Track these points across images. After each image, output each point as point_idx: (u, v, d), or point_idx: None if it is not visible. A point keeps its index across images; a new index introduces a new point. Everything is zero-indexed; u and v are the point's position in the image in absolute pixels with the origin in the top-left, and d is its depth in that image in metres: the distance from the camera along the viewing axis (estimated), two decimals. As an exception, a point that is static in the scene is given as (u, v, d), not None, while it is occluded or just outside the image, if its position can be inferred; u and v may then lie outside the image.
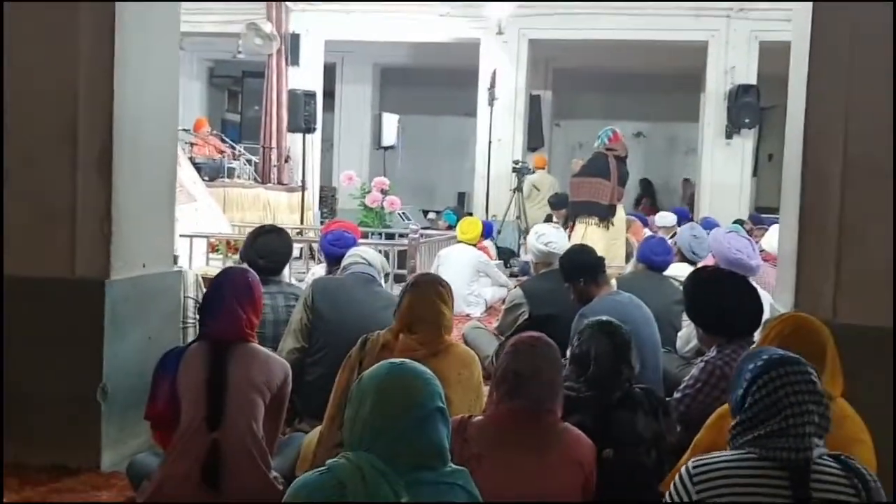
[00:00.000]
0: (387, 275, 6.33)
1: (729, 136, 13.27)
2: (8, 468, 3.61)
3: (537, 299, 5.09)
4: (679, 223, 9.91)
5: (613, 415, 3.12)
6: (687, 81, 15.38)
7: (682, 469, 2.31)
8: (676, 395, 3.59)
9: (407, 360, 2.20)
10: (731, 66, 13.15)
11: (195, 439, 3.13)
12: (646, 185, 18.27)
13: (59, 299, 3.83)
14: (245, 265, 4.51)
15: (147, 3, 4.03)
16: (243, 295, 3.34)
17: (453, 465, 2.12)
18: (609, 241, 8.85)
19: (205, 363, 3.21)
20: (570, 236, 8.21)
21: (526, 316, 5.08)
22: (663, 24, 13.22)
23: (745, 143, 13.35)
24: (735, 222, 9.99)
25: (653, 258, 5.53)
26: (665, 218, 10.72)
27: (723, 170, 13.28)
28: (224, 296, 3.33)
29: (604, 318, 3.39)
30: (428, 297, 3.43)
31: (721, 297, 3.63)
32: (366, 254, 4.79)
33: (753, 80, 12.96)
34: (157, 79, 4.17)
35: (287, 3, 14.12)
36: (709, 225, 8.39)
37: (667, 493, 2.33)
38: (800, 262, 3.67)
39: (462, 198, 17.10)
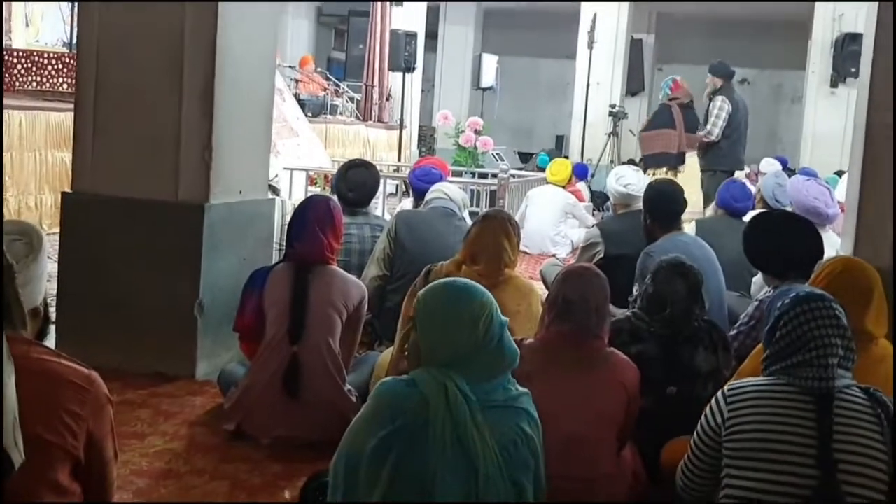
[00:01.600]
0: (474, 213, 6.56)
1: (834, 84, 13.00)
2: (112, 373, 3.95)
3: (613, 239, 5.20)
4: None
5: (676, 350, 3.26)
6: (794, 28, 15.02)
7: (719, 392, 2.48)
8: (732, 331, 3.73)
9: (460, 279, 2.37)
10: (839, 13, 12.83)
11: (277, 351, 3.42)
12: None
13: (163, 220, 4.14)
14: (334, 196, 4.79)
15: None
16: (325, 221, 3.60)
17: (519, 388, 2.27)
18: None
19: (288, 282, 3.49)
20: None
21: (601, 255, 5.19)
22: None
23: (851, 92, 13.02)
24: (836, 173, 9.92)
25: (732, 203, 5.58)
26: (769, 164, 10.66)
27: (826, 119, 13.03)
28: (307, 221, 3.60)
29: (677, 257, 3.46)
30: (492, 230, 3.62)
31: (776, 239, 3.73)
32: (448, 189, 5.01)
33: (861, 29, 12.59)
34: (258, 15, 4.42)
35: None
36: (806, 174, 8.34)
37: (703, 414, 2.51)
38: (860, 211, 3.75)
39: (559, 140, 17.15)
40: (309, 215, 3.61)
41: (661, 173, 9.08)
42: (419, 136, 15.15)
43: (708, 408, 2.48)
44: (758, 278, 4.99)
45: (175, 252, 4.14)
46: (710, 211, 6.93)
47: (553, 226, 8.28)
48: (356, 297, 3.61)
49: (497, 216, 3.76)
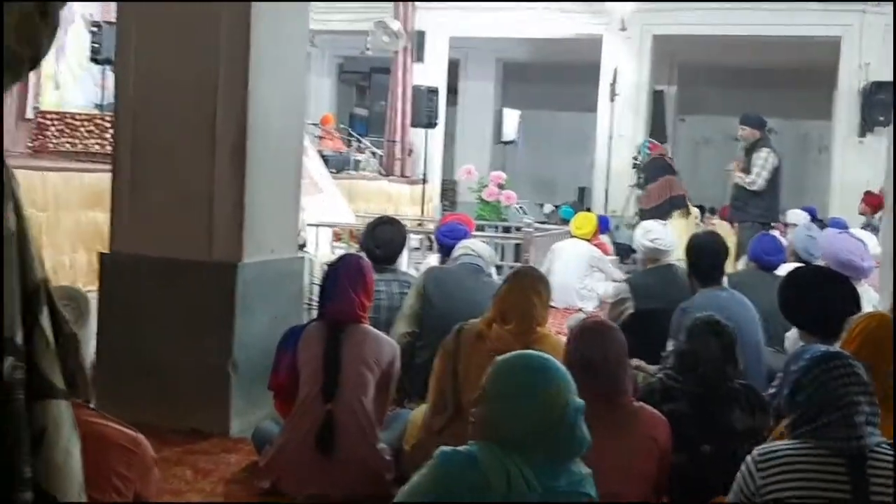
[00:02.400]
0: (499, 267, 6.59)
1: (862, 134, 12.96)
2: (148, 429, 3.99)
3: (643, 294, 5.21)
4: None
5: (710, 409, 3.23)
6: (818, 77, 15.04)
7: (748, 457, 2.47)
8: (771, 390, 3.72)
9: (541, 354, 2.23)
10: (865, 62, 12.86)
11: (311, 409, 3.45)
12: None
13: (197, 279, 4.20)
14: (362, 253, 4.84)
15: (279, 2, 4.37)
16: (356, 280, 3.65)
17: (583, 468, 2.16)
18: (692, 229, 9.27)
19: (322, 341, 3.53)
20: None
21: (631, 310, 5.21)
22: (793, 19, 13.01)
23: (879, 141, 13.02)
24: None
25: (764, 257, 5.55)
26: (797, 215, 10.67)
27: (854, 169, 12.94)
28: (339, 280, 3.65)
29: (711, 316, 3.43)
30: (522, 289, 3.63)
31: (812, 294, 3.71)
32: (476, 245, 5.06)
33: (889, 77, 12.66)
34: (287, 76, 4.51)
35: (414, 1, 14.51)
36: (836, 226, 8.34)
37: (735, 480, 2.50)
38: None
39: (582, 193, 17.19)
40: (341, 275, 3.66)
41: (676, 216, 9.30)
42: (441, 190, 15.25)
43: (740, 474, 2.47)
44: (792, 333, 4.95)
45: (209, 310, 4.19)
46: (741, 264, 6.94)
47: (579, 279, 8.29)
48: (388, 355, 3.64)
49: (527, 274, 3.79)
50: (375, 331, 3.72)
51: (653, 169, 10.44)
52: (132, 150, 4.26)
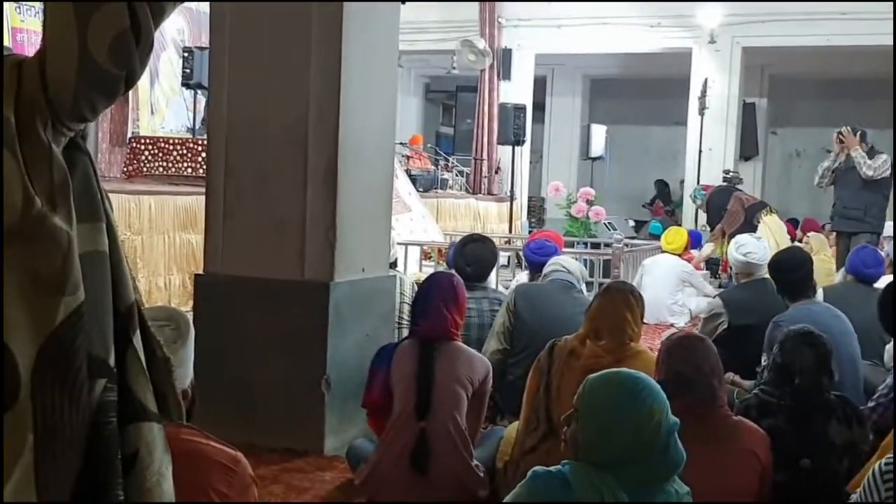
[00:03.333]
0: (589, 283, 6.53)
1: (963, 143, 12.54)
2: (244, 448, 4.04)
3: (736, 309, 5.13)
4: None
5: (807, 422, 3.19)
6: (914, 86, 14.62)
7: (875, 467, 2.40)
8: (870, 403, 3.62)
9: (633, 372, 2.20)
10: None
11: (405, 427, 3.46)
12: (661, 186, 17.50)
13: (290, 299, 4.26)
14: (453, 271, 4.85)
15: (369, 24, 4.42)
16: (449, 297, 3.65)
17: (681, 487, 2.14)
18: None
19: (415, 358, 3.54)
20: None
21: (725, 325, 5.12)
22: (883, 28, 12.67)
23: (978, 150, 12.58)
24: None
25: (863, 270, 5.44)
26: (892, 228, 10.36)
27: (954, 177, 12.56)
28: (432, 298, 3.66)
29: (804, 327, 3.40)
30: (614, 304, 3.59)
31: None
32: (566, 262, 5.02)
33: None
34: (378, 98, 4.55)
35: (499, 19, 14.56)
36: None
37: (858, 492, 2.43)
38: None
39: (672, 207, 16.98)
40: (433, 292, 3.67)
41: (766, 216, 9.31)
42: (528, 207, 15.22)
43: (864, 484, 2.41)
44: (891, 346, 4.83)
45: (302, 329, 4.24)
46: (839, 276, 6.77)
47: (670, 295, 8.16)
48: (481, 373, 3.63)
49: (619, 288, 3.74)
50: (468, 348, 3.72)
51: (718, 197, 10.47)
52: (225, 174, 4.35)
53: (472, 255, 5.18)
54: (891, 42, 12.80)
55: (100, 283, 1.41)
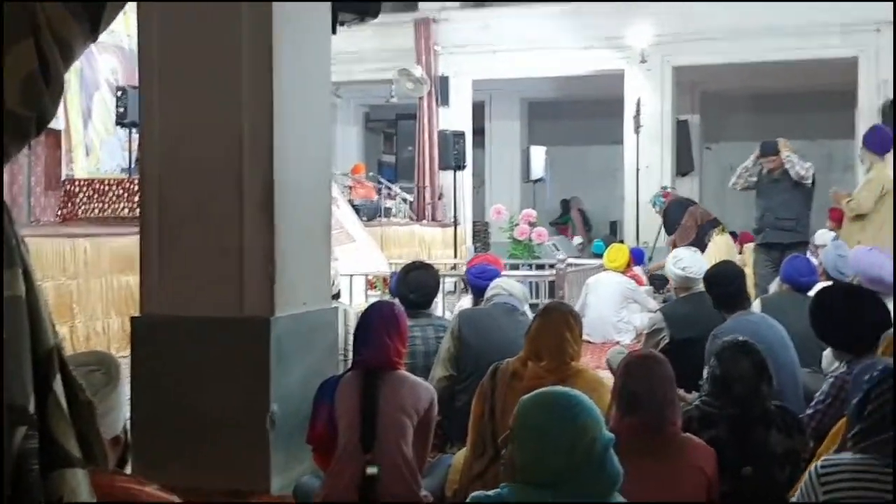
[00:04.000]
0: (534, 304, 6.55)
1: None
2: (189, 491, 3.98)
3: (677, 323, 5.19)
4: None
5: (748, 432, 3.23)
6: (839, 98, 14.99)
7: (811, 468, 2.43)
8: (808, 411, 3.67)
9: (566, 390, 2.21)
10: (882, 79, 12.80)
11: (351, 460, 3.42)
12: (564, 204, 17.87)
13: (230, 336, 4.20)
14: (395, 300, 4.84)
15: (300, 54, 4.41)
16: (391, 326, 3.63)
17: (620, 500, 2.12)
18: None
19: (358, 390, 3.51)
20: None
21: (667, 340, 5.18)
22: (810, 42, 13.02)
23: (902, 158, 12.89)
24: (897, 241, 9.81)
25: (798, 278, 5.53)
26: (825, 236, 10.56)
27: (880, 186, 12.86)
28: (373, 327, 3.63)
29: (739, 338, 3.46)
30: (553, 325, 3.61)
31: (841, 313, 3.70)
32: (507, 285, 5.03)
33: (908, 94, 12.58)
34: (312, 128, 4.53)
35: (435, 47, 14.65)
36: (865, 244, 8.26)
37: (797, 493, 2.46)
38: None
39: (613, 226, 17.16)
40: (374, 321, 3.65)
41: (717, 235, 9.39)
42: (473, 231, 15.28)
43: (801, 486, 2.45)
44: (828, 353, 4.91)
45: (244, 366, 4.18)
46: (774, 286, 6.88)
47: (615, 312, 8.23)
48: (426, 401, 3.61)
49: (557, 309, 3.76)
50: (412, 376, 3.70)
51: (674, 210, 10.60)
52: (159, 212, 4.29)
53: (415, 283, 5.17)
54: (815, 55, 13.15)
55: (17, 328, 1.38)
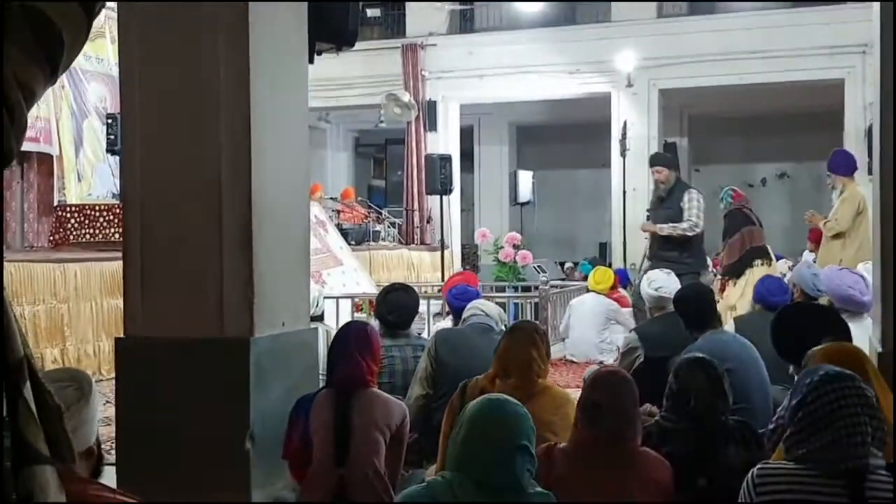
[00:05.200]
0: (509, 326, 6.66)
1: (871, 172, 13.00)
2: (171, 508, 4.09)
3: (652, 342, 5.30)
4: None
5: (705, 445, 3.31)
6: (827, 119, 15.16)
7: (749, 474, 2.54)
8: (770, 425, 3.77)
9: (506, 398, 2.55)
10: (868, 102, 12.96)
11: (325, 475, 3.55)
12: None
13: (210, 357, 4.30)
14: (376, 320, 4.96)
15: (277, 82, 4.54)
16: (363, 345, 3.76)
17: (539, 489, 2.43)
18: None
19: (331, 407, 3.64)
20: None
21: (642, 359, 5.29)
22: (797, 65, 13.18)
23: (889, 178, 13.01)
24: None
25: (769, 298, 5.64)
26: (806, 258, 10.69)
27: (869, 207, 12.97)
28: (347, 347, 3.76)
29: (696, 355, 3.59)
30: (520, 343, 3.74)
31: (800, 331, 3.81)
32: (484, 306, 5.16)
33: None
34: (289, 152, 4.64)
35: (422, 72, 14.84)
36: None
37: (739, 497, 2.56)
38: (882, 297, 3.82)
39: (603, 248, 17.29)
40: (348, 341, 3.78)
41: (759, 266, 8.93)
42: (462, 255, 15.40)
43: (741, 491, 2.54)
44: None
45: (224, 386, 4.28)
46: (746, 307, 6.98)
47: (597, 333, 8.35)
48: (398, 417, 3.73)
49: (524, 328, 3.89)
50: (384, 394, 3.82)
51: (731, 220, 10.00)
52: (141, 237, 4.41)
53: (394, 304, 5.29)
54: (802, 77, 13.32)
55: None
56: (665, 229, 8.00)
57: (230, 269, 4.32)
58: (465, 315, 5.18)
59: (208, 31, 4.32)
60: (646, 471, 2.96)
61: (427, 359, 4.84)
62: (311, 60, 4.85)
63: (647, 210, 9.78)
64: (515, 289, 9.90)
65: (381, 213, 14.45)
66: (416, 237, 14.72)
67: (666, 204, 8.17)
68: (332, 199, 13.85)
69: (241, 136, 4.31)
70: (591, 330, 8.41)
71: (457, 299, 5.78)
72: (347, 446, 3.56)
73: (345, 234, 12.22)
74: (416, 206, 14.83)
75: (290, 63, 4.69)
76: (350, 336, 3.80)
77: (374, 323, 5.19)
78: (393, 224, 14.38)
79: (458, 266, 14.84)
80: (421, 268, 13.54)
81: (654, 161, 8.61)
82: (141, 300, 4.42)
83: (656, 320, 5.55)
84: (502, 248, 10.02)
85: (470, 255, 15.46)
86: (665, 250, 8.05)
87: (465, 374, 4.39)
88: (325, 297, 8.53)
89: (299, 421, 3.72)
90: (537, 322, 4.13)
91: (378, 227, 13.65)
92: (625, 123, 13.79)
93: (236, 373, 4.26)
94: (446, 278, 12.97)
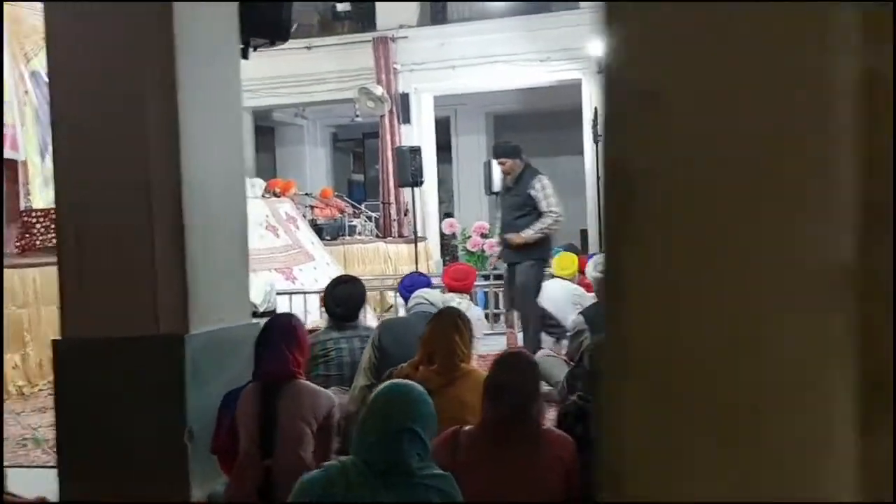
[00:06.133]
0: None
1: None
2: (112, 507, 4.13)
3: (598, 324, 5.35)
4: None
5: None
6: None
7: None
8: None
9: (408, 383, 2.63)
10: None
11: (251, 466, 3.57)
12: None
13: (146, 354, 4.33)
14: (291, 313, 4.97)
15: (205, 79, 4.54)
16: (290, 337, 3.78)
17: (437, 470, 2.48)
18: None
19: (257, 400, 3.66)
20: None
21: (588, 340, 5.33)
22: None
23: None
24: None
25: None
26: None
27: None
28: (273, 339, 3.79)
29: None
30: (443, 329, 3.78)
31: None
32: (428, 294, 5.19)
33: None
34: (222, 145, 4.65)
35: (394, 65, 14.84)
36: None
37: None
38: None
39: (584, 235, 17.28)
40: (274, 333, 3.81)
41: None
42: (441, 245, 15.41)
43: None
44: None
45: (161, 383, 4.30)
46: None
47: (563, 318, 8.35)
48: (325, 408, 3.75)
49: (448, 314, 3.92)
50: (311, 385, 3.84)
51: None
52: (75, 239, 4.43)
53: (341, 296, 5.31)
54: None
55: None
56: (533, 235, 7.69)
57: (163, 267, 4.34)
58: (409, 304, 5.22)
59: (132, 29, 4.34)
60: (550, 448, 3.00)
61: (371, 349, 4.86)
62: (244, 56, 4.86)
63: (496, 195, 9.48)
64: (486, 277, 9.92)
65: (357, 208, 14.46)
66: (393, 230, 14.72)
67: (513, 192, 7.91)
68: (307, 194, 13.87)
69: (169, 134, 4.32)
70: (558, 315, 8.41)
71: (408, 290, 5.81)
72: (273, 438, 3.58)
73: (319, 229, 12.23)
74: (392, 199, 14.83)
75: (219, 60, 4.69)
76: (275, 329, 3.82)
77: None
78: (370, 218, 14.39)
79: (437, 258, 14.86)
80: (398, 260, 13.54)
81: (497, 153, 8.37)
82: (76, 301, 4.44)
83: (601, 303, 5.57)
84: (469, 237, 10.03)
85: (449, 245, 15.47)
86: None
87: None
88: (301, 294, 8.61)
89: (227, 414, 3.75)
90: (461, 309, 4.15)
91: (354, 222, 13.66)
92: (595, 110, 13.78)
93: (172, 370, 4.28)
94: (426, 270, 13.02)
